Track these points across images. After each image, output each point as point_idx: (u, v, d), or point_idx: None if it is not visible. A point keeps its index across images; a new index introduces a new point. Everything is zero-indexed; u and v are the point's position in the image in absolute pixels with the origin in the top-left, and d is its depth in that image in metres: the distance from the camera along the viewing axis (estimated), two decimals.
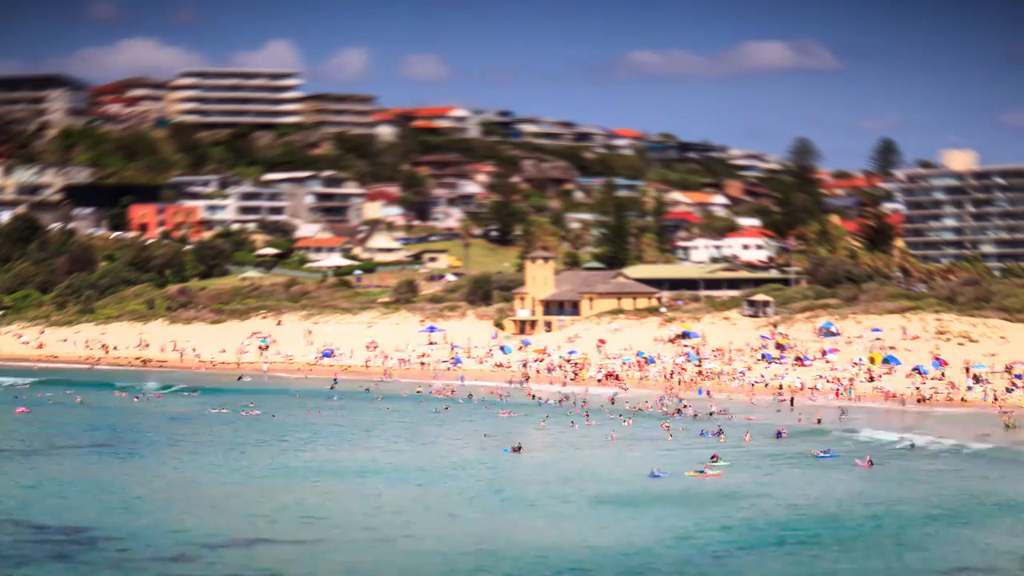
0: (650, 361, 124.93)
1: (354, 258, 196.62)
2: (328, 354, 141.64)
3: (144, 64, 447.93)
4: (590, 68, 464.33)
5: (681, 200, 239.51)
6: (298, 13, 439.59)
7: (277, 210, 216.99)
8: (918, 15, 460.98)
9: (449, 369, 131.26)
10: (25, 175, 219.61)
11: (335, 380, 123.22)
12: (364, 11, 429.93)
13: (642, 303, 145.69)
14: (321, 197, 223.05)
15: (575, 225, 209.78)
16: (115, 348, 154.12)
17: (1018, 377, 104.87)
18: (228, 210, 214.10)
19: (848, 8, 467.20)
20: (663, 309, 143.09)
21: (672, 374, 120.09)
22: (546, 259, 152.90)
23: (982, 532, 53.41)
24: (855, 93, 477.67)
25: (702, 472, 66.52)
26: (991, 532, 53.54)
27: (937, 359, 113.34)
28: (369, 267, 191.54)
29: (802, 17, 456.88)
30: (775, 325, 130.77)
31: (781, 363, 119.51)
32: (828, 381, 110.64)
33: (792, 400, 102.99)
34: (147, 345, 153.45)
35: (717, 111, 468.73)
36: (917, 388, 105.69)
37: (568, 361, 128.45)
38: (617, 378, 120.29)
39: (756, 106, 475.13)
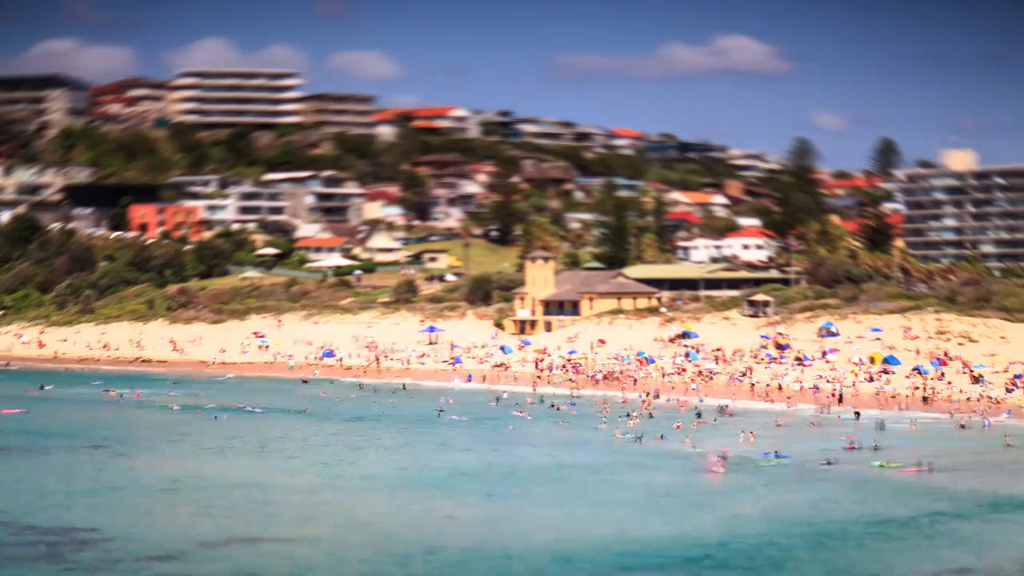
0: (650, 361, 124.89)
1: (354, 258, 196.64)
2: (329, 354, 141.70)
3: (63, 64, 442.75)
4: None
5: (681, 200, 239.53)
6: (229, 11, 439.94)
7: (277, 210, 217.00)
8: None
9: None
10: (25, 175, 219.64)
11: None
12: (293, 6, 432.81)
13: (642, 303, 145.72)
14: (321, 197, 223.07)
15: (575, 225, 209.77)
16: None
17: (1017, 377, 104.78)
18: (228, 210, 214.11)
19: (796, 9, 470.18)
20: (663, 309, 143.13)
21: (677, 374, 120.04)
22: (546, 259, 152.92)
23: None
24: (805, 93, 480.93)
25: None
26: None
27: (937, 359, 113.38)
28: (369, 267, 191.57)
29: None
30: (771, 325, 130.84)
31: (781, 363, 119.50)
32: (828, 381, 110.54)
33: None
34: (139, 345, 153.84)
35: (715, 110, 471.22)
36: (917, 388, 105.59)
37: (568, 361, 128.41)
38: (615, 379, 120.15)
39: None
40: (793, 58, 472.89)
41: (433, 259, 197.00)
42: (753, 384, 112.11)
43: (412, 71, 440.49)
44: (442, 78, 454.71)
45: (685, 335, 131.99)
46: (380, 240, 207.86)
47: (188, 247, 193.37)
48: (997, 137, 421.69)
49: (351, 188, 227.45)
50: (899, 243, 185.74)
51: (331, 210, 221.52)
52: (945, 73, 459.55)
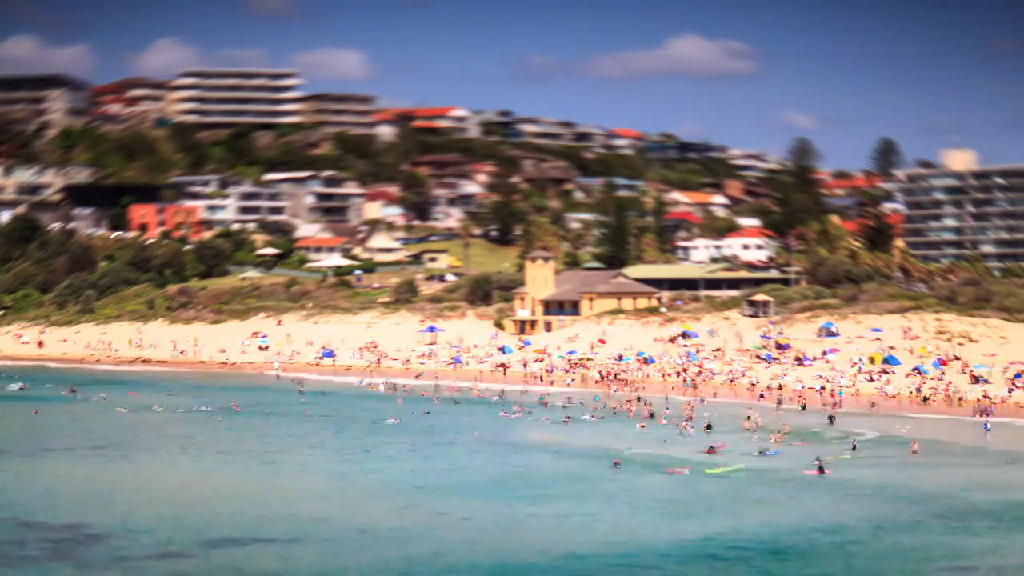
0: (650, 361, 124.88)
1: (354, 258, 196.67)
2: (329, 354, 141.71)
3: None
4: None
5: (681, 200, 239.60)
6: (179, 13, 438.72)
7: (277, 210, 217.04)
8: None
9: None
10: (25, 175, 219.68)
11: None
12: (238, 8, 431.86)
13: (642, 303, 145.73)
14: (321, 197, 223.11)
15: (575, 225, 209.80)
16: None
17: (1016, 377, 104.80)
18: (228, 210, 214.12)
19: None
20: (663, 309, 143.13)
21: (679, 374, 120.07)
22: (546, 259, 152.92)
23: None
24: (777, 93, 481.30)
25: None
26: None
27: (937, 359, 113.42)
28: (369, 267, 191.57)
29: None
30: (767, 326, 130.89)
31: (781, 364, 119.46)
32: (828, 382, 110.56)
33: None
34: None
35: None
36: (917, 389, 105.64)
37: (569, 363, 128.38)
38: (617, 378, 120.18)
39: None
40: (760, 57, 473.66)
41: (433, 259, 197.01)
42: (754, 384, 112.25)
43: (376, 69, 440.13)
44: (411, 74, 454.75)
45: (685, 335, 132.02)
46: (380, 240, 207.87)
47: (188, 247, 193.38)
48: (988, 138, 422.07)
49: (351, 188, 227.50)
50: (899, 243, 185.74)
51: (331, 210, 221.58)
52: (929, 73, 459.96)
